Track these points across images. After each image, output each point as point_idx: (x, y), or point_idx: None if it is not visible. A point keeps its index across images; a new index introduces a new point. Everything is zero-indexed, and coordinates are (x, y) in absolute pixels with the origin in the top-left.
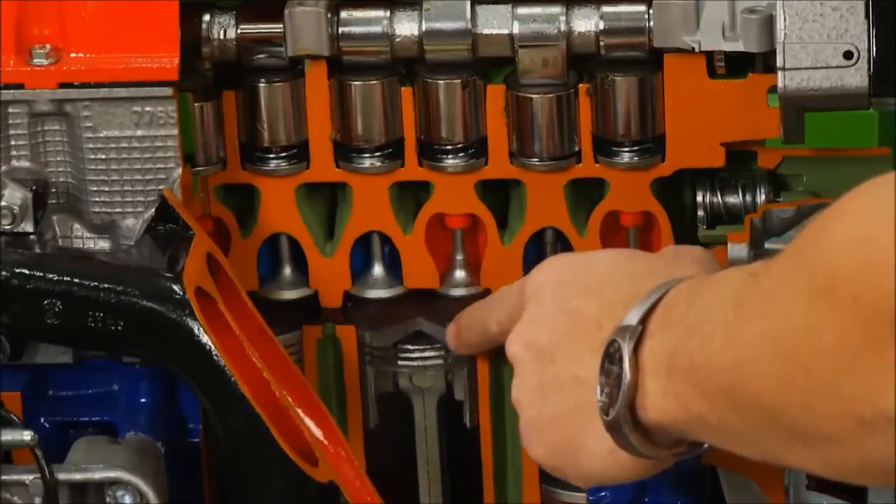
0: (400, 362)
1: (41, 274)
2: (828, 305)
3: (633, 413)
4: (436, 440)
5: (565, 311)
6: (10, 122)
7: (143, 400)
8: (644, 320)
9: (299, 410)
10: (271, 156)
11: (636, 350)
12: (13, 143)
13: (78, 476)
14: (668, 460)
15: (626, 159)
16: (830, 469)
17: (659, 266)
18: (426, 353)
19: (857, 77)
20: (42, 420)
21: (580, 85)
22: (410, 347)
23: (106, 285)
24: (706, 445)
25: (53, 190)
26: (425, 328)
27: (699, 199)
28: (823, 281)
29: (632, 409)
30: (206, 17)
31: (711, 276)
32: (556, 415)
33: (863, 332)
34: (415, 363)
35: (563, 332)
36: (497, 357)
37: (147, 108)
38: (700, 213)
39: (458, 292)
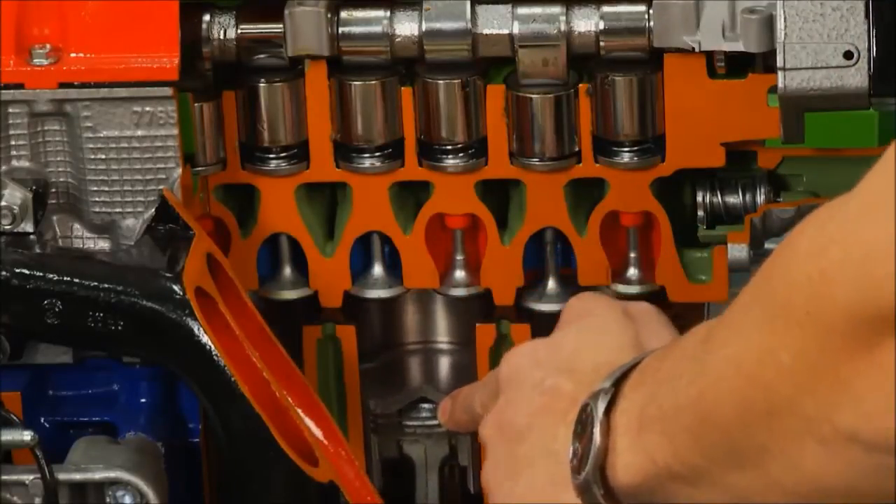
0: (404, 429)
1: (41, 274)
2: (784, 323)
3: (604, 476)
4: None
5: (540, 390)
6: (10, 122)
7: (143, 400)
8: (617, 384)
9: (299, 410)
10: (271, 156)
11: (609, 412)
12: (13, 143)
13: (78, 476)
14: None
15: (626, 159)
16: (797, 498)
17: (626, 338)
18: (430, 421)
19: (857, 77)
20: (42, 420)
21: (580, 85)
22: (415, 413)
23: (106, 285)
24: None
25: (53, 190)
26: (429, 395)
27: (699, 199)
28: (779, 299)
29: (602, 471)
30: (206, 17)
31: (684, 336)
32: (527, 491)
33: (819, 349)
34: (419, 430)
35: (537, 411)
36: (496, 362)
37: (147, 108)
38: (700, 213)
39: (458, 292)
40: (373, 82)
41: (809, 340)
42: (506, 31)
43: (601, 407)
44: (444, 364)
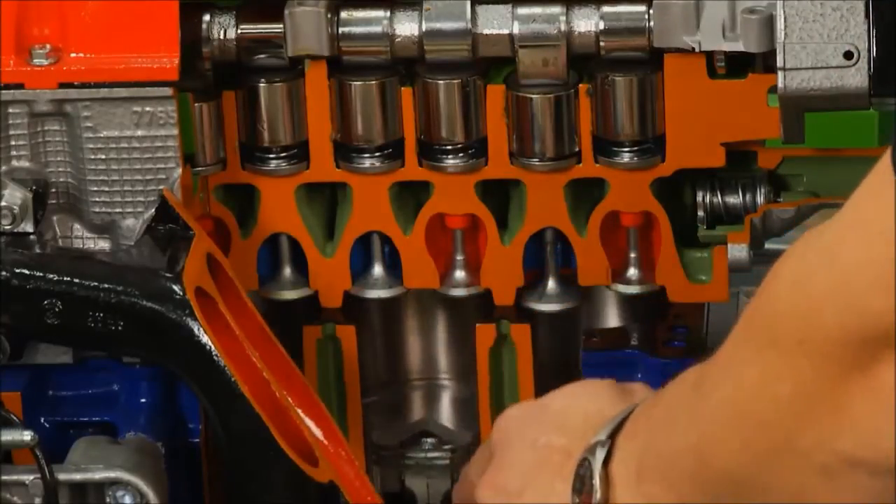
0: (406, 461)
1: (41, 274)
2: (776, 355)
3: None
4: None
5: (534, 448)
6: (10, 122)
7: (143, 400)
8: (612, 436)
9: (299, 410)
10: (271, 156)
11: (606, 465)
12: (13, 143)
13: (78, 476)
14: None
15: (626, 159)
16: None
17: (613, 392)
18: (432, 453)
19: (857, 77)
20: (42, 420)
21: (580, 85)
22: (417, 446)
23: (106, 285)
24: None
25: (53, 190)
26: (432, 427)
27: (699, 199)
28: (769, 332)
29: None
30: (206, 17)
31: (665, 387)
32: None
33: (814, 377)
34: (421, 463)
35: (532, 469)
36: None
37: (147, 108)
38: (700, 213)
39: (458, 292)
40: (373, 82)
41: (804, 369)
42: (506, 31)
43: (599, 459)
44: (446, 398)
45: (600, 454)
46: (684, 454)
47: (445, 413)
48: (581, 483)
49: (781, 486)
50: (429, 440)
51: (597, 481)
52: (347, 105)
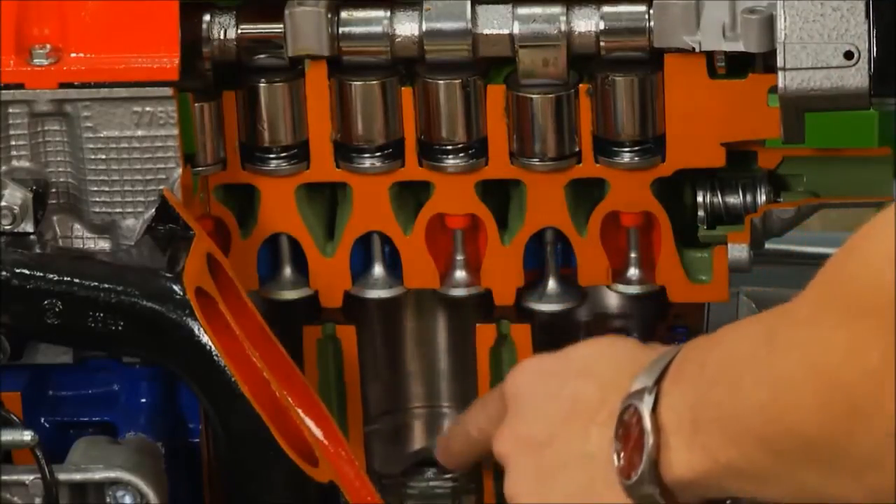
0: (408, 490)
1: (41, 274)
2: (869, 326)
3: (657, 472)
4: None
5: (558, 398)
6: (10, 122)
7: (143, 400)
8: (657, 382)
9: (299, 410)
10: (271, 156)
11: (653, 411)
12: (13, 143)
13: (78, 476)
14: None
15: (626, 159)
16: (873, 497)
17: (639, 346)
18: (433, 482)
19: (857, 77)
20: (42, 420)
21: (580, 85)
22: (418, 474)
23: (106, 285)
24: (728, 502)
25: (53, 190)
26: (433, 455)
27: (699, 199)
28: (862, 302)
29: (655, 468)
30: (206, 17)
31: (720, 330)
32: (564, 496)
33: None
34: (422, 491)
35: (559, 417)
36: (496, 363)
37: (147, 108)
38: (700, 213)
39: (458, 292)
40: (373, 82)
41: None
42: (506, 31)
43: (648, 405)
44: (447, 426)
45: (648, 399)
46: (753, 412)
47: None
48: (625, 429)
49: (855, 447)
50: (430, 469)
51: (648, 425)
52: (347, 105)
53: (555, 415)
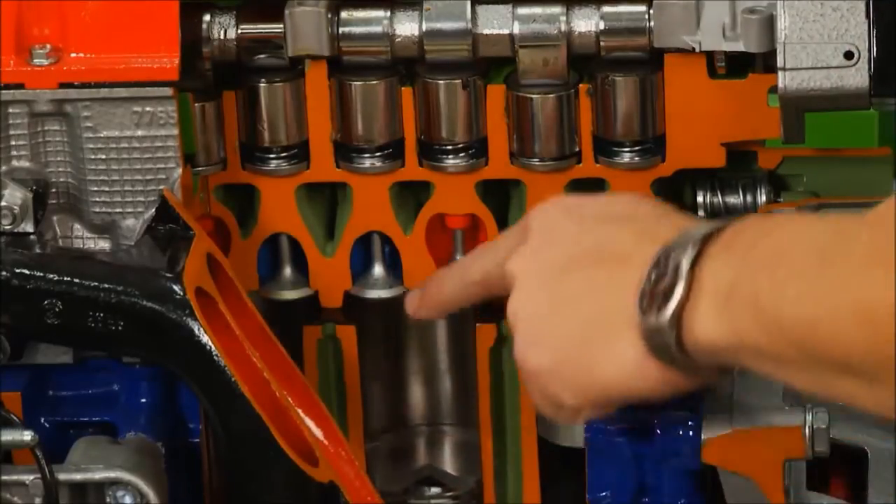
0: None
1: (41, 274)
2: None
3: (679, 325)
4: None
5: (590, 236)
6: (11, 122)
7: (143, 400)
8: (706, 240)
9: (299, 410)
10: (271, 156)
11: (693, 267)
12: (13, 143)
13: (78, 476)
14: (692, 383)
15: (626, 159)
16: (879, 408)
17: (682, 212)
18: (435, 500)
19: (857, 77)
20: (42, 420)
21: (580, 85)
22: (420, 492)
23: (106, 285)
24: (736, 370)
25: (53, 190)
26: (434, 473)
27: (699, 199)
28: None
29: (678, 319)
30: (206, 17)
31: (780, 214)
32: (573, 322)
33: None
34: None
35: (585, 255)
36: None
37: (147, 108)
38: (700, 213)
39: None
40: (373, 82)
41: None
42: (506, 31)
43: (688, 259)
44: (449, 444)
45: (691, 252)
46: (793, 323)
47: (448, 458)
48: (657, 274)
49: (886, 370)
50: (432, 488)
51: (683, 276)
52: (347, 105)
53: (582, 252)
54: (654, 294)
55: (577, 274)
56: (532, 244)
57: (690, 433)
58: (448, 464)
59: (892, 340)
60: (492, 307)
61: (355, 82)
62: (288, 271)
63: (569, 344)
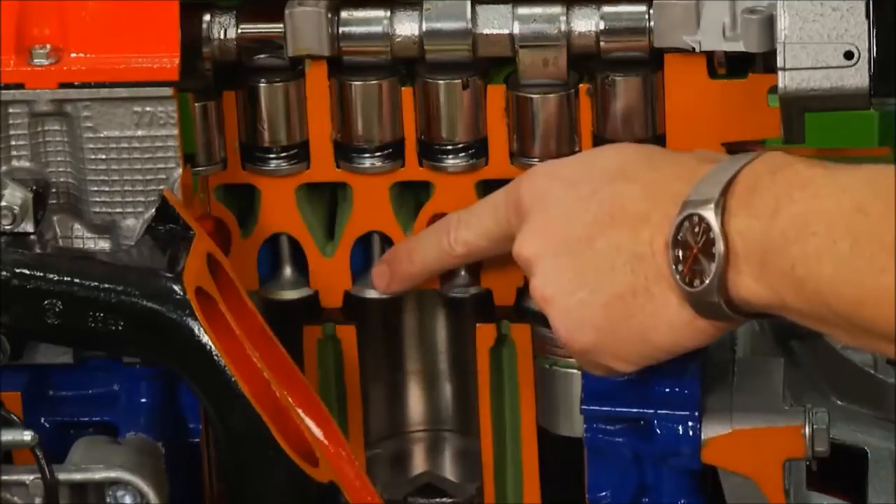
0: None
1: (41, 274)
2: None
3: (724, 284)
4: None
5: (593, 201)
6: (11, 122)
7: (143, 400)
8: (724, 193)
9: (299, 410)
10: (272, 156)
11: (723, 225)
12: (13, 143)
13: (78, 476)
14: (747, 321)
15: None
16: None
17: (669, 151)
18: None
19: (857, 77)
20: (42, 420)
21: (580, 85)
22: (421, 501)
23: (106, 285)
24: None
25: (53, 190)
26: (435, 481)
27: None
28: None
29: (723, 279)
30: (206, 17)
31: (796, 170)
32: (612, 296)
33: None
34: None
35: (598, 220)
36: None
37: (147, 108)
38: None
39: (458, 292)
40: (373, 82)
41: None
42: (506, 31)
43: (717, 218)
44: (449, 450)
45: (717, 213)
46: (830, 293)
47: (448, 465)
48: (685, 235)
49: None
50: (433, 496)
51: (719, 235)
52: (348, 105)
53: (593, 217)
54: (689, 259)
55: (597, 241)
56: (535, 223)
57: (690, 433)
58: (448, 471)
59: None
60: (492, 307)
61: (355, 82)
62: (288, 271)
63: (612, 318)
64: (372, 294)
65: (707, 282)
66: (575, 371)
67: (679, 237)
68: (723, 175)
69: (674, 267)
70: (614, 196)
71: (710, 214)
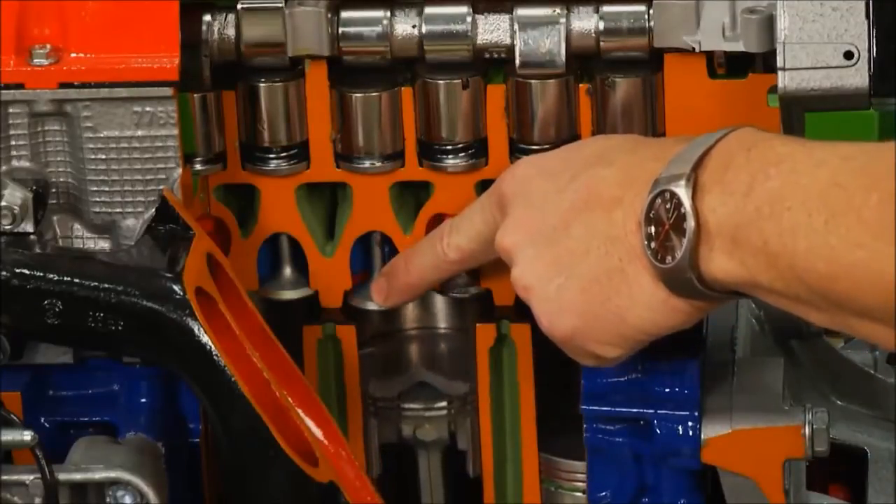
0: (403, 413)
1: (41, 274)
2: None
3: (696, 259)
4: (440, 490)
5: (570, 189)
6: (11, 122)
7: (143, 400)
8: (694, 170)
9: (299, 410)
10: (271, 156)
11: (694, 201)
12: (13, 143)
13: (78, 476)
14: (725, 302)
15: None
16: None
17: (651, 138)
18: (429, 404)
19: (857, 77)
20: (42, 420)
21: (580, 85)
22: (414, 398)
23: (106, 285)
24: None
25: (53, 190)
26: (428, 379)
27: None
28: None
29: (695, 254)
30: (206, 17)
31: (771, 145)
32: (588, 280)
33: None
34: (418, 414)
35: (574, 206)
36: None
37: (147, 108)
38: None
39: (458, 293)
40: (373, 94)
41: None
42: (505, 32)
43: (688, 193)
44: (443, 348)
45: (687, 186)
46: (810, 274)
47: (442, 363)
48: (657, 212)
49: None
50: (426, 392)
51: (689, 210)
52: (348, 115)
53: (570, 204)
54: (660, 236)
55: (573, 227)
56: (515, 214)
57: (690, 433)
58: (441, 368)
59: None
60: (492, 307)
61: (356, 94)
62: (288, 271)
63: (590, 301)
64: (371, 306)
65: (678, 257)
66: (580, 494)
67: (651, 214)
68: (695, 151)
69: (646, 243)
70: (590, 181)
71: (681, 190)
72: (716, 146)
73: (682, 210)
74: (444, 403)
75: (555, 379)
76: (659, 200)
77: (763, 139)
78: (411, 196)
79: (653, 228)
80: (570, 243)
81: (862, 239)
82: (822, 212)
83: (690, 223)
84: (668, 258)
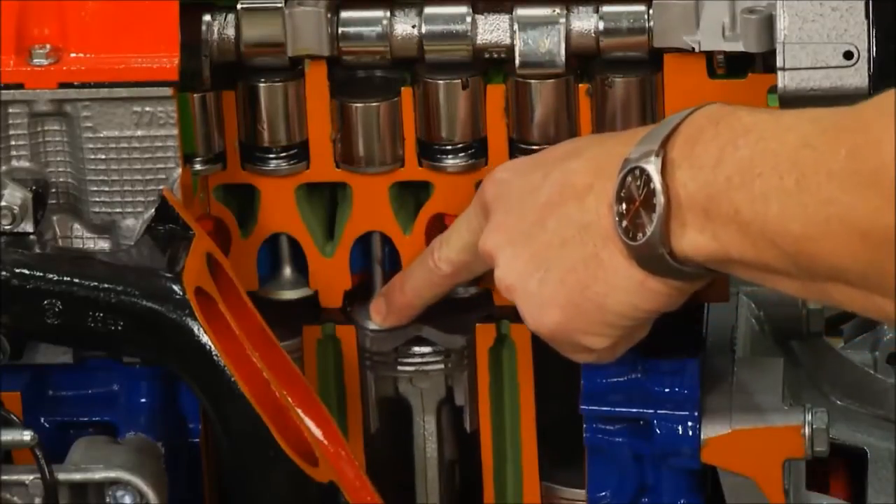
0: (400, 367)
1: (41, 274)
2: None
3: (667, 234)
4: (435, 445)
5: (546, 185)
6: (10, 122)
7: (143, 400)
8: (663, 146)
9: (299, 411)
10: (271, 156)
11: (663, 176)
12: (13, 143)
13: (78, 476)
14: (703, 283)
15: None
16: (878, 314)
17: (624, 132)
18: (426, 358)
19: (857, 77)
20: (42, 420)
21: (580, 85)
22: (411, 352)
23: (106, 285)
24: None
25: (53, 190)
26: (425, 333)
27: None
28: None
29: (665, 229)
30: (206, 17)
31: (738, 117)
32: (565, 271)
33: None
34: (415, 368)
35: (549, 201)
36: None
37: (147, 108)
38: None
39: (458, 292)
40: (374, 104)
41: None
42: (505, 32)
43: (656, 166)
44: (440, 304)
45: (656, 161)
46: (783, 236)
47: (439, 318)
48: (628, 191)
49: (883, 284)
50: (423, 347)
51: (658, 185)
52: (349, 123)
53: (545, 199)
54: (630, 213)
55: (548, 221)
56: (495, 217)
57: (690, 433)
58: (438, 323)
59: (892, 258)
60: (492, 307)
61: (357, 104)
62: (288, 271)
63: (570, 292)
64: (372, 326)
65: (649, 233)
66: None
67: (622, 193)
68: (663, 129)
69: (617, 220)
70: (562, 175)
71: (650, 167)
72: (684, 122)
73: (652, 185)
74: (441, 357)
75: (555, 379)
76: (629, 178)
77: (730, 112)
78: (411, 196)
79: (624, 206)
80: (547, 237)
81: (833, 194)
82: (793, 172)
83: (660, 199)
84: (640, 234)
